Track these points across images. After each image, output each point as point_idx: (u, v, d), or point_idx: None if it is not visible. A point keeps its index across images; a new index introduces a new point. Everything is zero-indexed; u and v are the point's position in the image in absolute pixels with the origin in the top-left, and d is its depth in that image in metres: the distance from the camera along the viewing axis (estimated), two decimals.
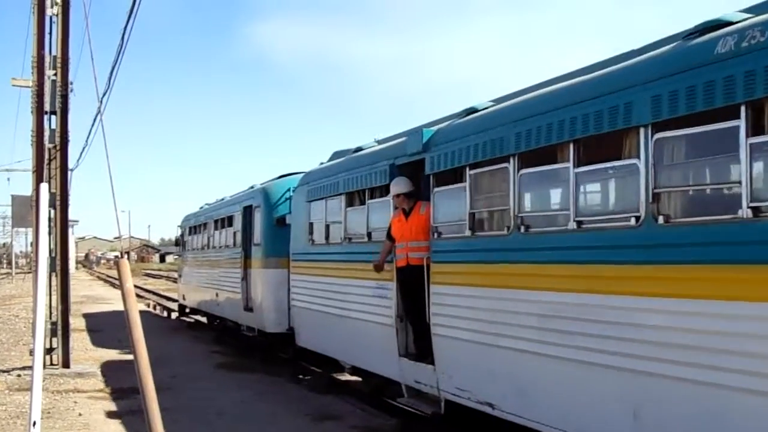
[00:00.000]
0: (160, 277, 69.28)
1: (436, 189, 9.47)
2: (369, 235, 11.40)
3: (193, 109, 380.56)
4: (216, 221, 22.47)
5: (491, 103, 9.33)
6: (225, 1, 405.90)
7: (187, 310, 27.77)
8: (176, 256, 37.82)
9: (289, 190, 16.86)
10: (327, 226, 13.12)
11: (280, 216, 16.80)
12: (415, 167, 10.19)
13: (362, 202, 11.77)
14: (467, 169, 8.70)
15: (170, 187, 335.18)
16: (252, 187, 19.85)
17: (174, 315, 30.54)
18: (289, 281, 15.92)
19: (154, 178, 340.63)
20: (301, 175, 16.90)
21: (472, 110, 9.38)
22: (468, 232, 8.65)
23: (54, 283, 15.41)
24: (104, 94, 16.38)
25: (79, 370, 15.38)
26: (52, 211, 15.02)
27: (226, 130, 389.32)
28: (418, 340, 10.03)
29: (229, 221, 20.79)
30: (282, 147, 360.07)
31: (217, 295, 21.65)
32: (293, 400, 12.95)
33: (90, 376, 15.12)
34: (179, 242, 29.90)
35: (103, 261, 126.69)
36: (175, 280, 58.35)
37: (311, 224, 13.97)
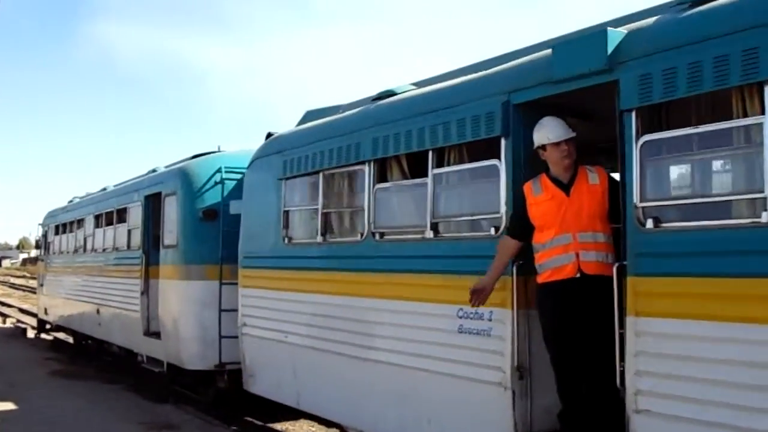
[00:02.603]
0: None
1: (646, 137, 4.98)
2: (434, 227, 6.78)
3: (34, 109, 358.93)
4: (98, 216, 17.07)
5: None
6: None
7: (48, 327, 21.93)
8: (13, 262, 32.84)
9: (219, 170, 12.18)
10: (325, 215, 8.38)
11: (208, 207, 12.03)
12: (558, 107, 5.75)
13: (414, 174, 7.13)
14: (765, 87, 4.32)
15: (7, 188, 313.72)
16: (154, 171, 14.86)
17: (9, 322, 27.05)
18: (220, 297, 11.41)
19: None
20: (237, 152, 12.49)
21: None
22: None
23: None
24: None
25: None
26: None
27: (71, 131, 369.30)
28: (569, 412, 5.48)
29: (119, 216, 15.55)
30: (128, 149, 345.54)
31: (98, 311, 16.28)
32: (129, 409, 12.12)
33: None
34: (40, 244, 24.02)
35: None
36: (11, 285, 52.50)
37: (286, 213, 9.16)
